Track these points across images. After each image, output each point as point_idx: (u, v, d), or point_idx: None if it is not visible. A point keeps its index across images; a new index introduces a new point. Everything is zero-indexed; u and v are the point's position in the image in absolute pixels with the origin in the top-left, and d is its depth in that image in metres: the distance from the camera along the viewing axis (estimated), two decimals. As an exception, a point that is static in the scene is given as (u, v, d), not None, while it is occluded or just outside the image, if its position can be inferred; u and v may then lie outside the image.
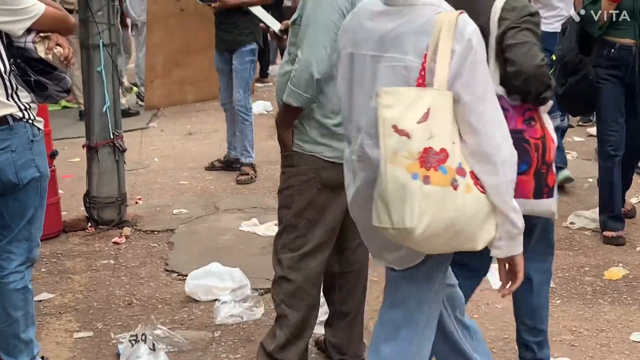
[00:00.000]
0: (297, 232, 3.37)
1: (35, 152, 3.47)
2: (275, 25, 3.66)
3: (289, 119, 3.31)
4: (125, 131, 8.72)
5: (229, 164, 7.09)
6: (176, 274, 4.84)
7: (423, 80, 2.39)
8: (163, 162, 7.65)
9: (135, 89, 10.91)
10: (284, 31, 3.58)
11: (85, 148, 5.72)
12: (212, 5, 6.54)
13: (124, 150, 5.76)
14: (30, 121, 3.43)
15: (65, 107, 9.93)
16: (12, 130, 3.37)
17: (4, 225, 3.50)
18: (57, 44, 3.42)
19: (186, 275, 4.60)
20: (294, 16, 3.29)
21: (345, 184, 2.74)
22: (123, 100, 9.61)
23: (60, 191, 6.35)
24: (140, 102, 10.32)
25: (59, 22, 3.45)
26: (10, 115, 3.36)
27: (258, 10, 3.91)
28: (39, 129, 3.49)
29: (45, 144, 3.61)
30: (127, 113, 9.52)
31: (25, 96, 3.42)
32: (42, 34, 3.40)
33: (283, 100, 3.24)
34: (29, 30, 3.35)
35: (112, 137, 5.64)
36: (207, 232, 5.56)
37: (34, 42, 3.38)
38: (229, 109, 6.99)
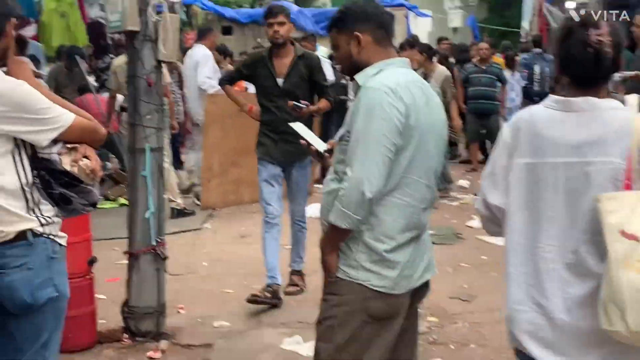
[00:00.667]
0: None
1: (55, 270, 3.23)
2: (320, 145, 3.38)
3: (335, 241, 3.05)
4: (178, 232, 8.68)
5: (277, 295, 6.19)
6: (211, 399, 4.50)
7: (630, 181, 2.50)
8: (212, 267, 7.40)
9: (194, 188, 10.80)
10: (329, 150, 3.32)
11: (126, 254, 5.48)
12: (302, 111, 5.91)
13: (166, 258, 5.49)
14: (51, 237, 3.21)
15: (123, 205, 9.82)
16: (31, 247, 3.15)
17: (15, 348, 3.22)
18: (84, 156, 3.21)
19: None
20: (341, 132, 3.09)
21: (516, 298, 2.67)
22: (179, 200, 9.53)
23: (102, 296, 6.12)
24: (197, 202, 10.18)
25: (87, 133, 3.25)
26: (30, 230, 3.14)
27: (299, 127, 3.61)
28: (60, 245, 3.25)
29: (66, 262, 3.34)
30: (182, 213, 9.42)
31: (47, 210, 3.21)
32: (69, 145, 3.20)
33: (329, 221, 2.97)
34: (55, 141, 3.15)
35: (154, 244, 5.39)
36: (246, 349, 5.22)
37: (59, 154, 3.17)
38: (278, 224, 6.34)
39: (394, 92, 2.92)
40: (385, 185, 2.93)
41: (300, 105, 5.88)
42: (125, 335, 5.38)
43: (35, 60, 10.77)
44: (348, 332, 3.02)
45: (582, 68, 2.59)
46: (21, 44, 6.27)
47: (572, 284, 2.55)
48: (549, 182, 2.60)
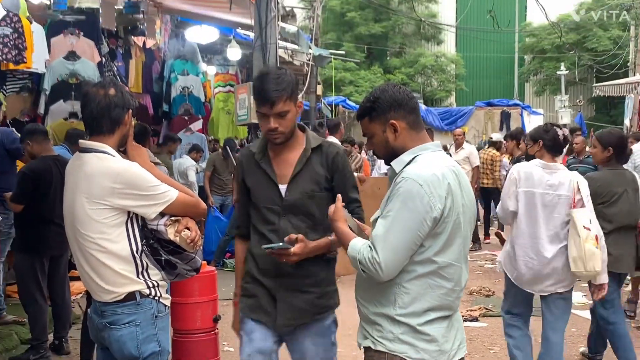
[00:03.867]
0: None
1: (158, 327, 3.14)
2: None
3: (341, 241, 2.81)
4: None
5: None
6: None
7: (575, 204, 4.57)
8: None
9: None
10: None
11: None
12: (288, 258, 3.13)
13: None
14: (157, 298, 3.13)
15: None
16: (139, 306, 3.09)
17: None
18: (186, 227, 3.13)
19: None
20: (377, 214, 2.73)
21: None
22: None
23: (230, 348, 6.02)
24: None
25: (189, 207, 3.18)
26: (138, 291, 3.08)
27: None
28: (165, 305, 3.18)
29: (170, 321, 3.24)
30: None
31: (155, 274, 3.15)
32: (173, 218, 3.12)
33: (349, 250, 2.67)
34: (161, 214, 3.09)
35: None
36: None
37: (165, 225, 3.11)
38: None
39: (430, 185, 2.56)
40: (403, 267, 2.60)
41: (285, 246, 3.04)
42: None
43: (198, 148, 11.08)
44: None
45: (557, 147, 4.77)
46: (145, 134, 6.35)
47: (549, 247, 4.60)
48: (539, 202, 4.62)
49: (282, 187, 3.26)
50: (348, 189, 3.29)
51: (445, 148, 15.38)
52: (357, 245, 2.66)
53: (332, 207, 2.86)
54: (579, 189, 4.53)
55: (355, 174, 10.29)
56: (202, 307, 5.10)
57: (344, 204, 2.86)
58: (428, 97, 34.85)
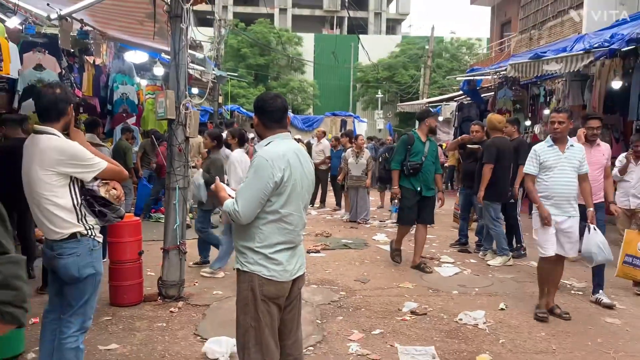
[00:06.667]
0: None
1: (94, 257, 2.96)
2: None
3: (219, 200, 2.80)
4: (206, 237, 8.26)
5: None
6: (200, 337, 4.13)
7: None
8: (221, 258, 6.97)
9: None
10: None
11: (162, 250, 5.18)
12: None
13: (185, 252, 5.17)
14: (92, 237, 2.94)
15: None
16: (79, 242, 2.90)
17: (67, 304, 2.94)
18: (113, 188, 2.97)
19: (206, 339, 3.94)
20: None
21: None
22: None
23: (152, 273, 5.80)
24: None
25: (115, 173, 3.01)
26: (79, 232, 2.89)
27: None
28: (98, 242, 2.99)
29: (102, 252, 3.06)
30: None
31: (90, 220, 2.96)
32: (104, 181, 2.95)
33: (223, 206, 2.68)
34: (95, 178, 2.91)
35: (178, 243, 5.09)
36: (230, 308, 4.83)
37: (98, 186, 2.93)
38: None
39: (272, 161, 2.60)
40: (257, 214, 2.60)
41: None
42: (159, 298, 5.05)
43: (133, 137, 10.48)
44: (253, 308, 2.67)
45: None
46: (96, 124, 6.03)
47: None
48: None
49: None
50: None
51: (309, 142, 15.37)
52: (227, 202, 2.68)
53: (213, 186, 2.84)
54: None
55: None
56: (131, 244, 4.87)
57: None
58: (295, 108, 34.84)
